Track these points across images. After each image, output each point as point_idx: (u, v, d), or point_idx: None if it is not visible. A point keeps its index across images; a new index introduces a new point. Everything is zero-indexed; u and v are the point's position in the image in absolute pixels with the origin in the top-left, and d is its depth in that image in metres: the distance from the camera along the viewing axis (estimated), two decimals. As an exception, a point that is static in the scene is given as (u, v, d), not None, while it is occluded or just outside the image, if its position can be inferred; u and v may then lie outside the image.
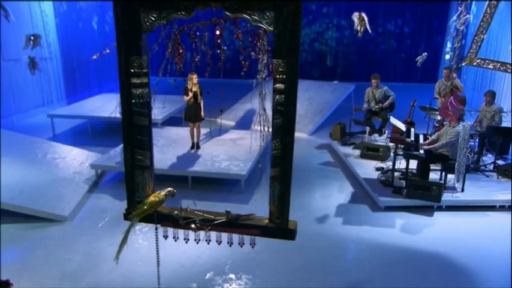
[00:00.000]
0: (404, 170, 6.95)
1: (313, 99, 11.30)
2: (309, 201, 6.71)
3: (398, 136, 6.89)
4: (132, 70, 2.65)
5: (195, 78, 7.32)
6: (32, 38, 7.47)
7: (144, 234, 5.58)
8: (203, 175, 6.98)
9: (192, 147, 7.91)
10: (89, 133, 9.94)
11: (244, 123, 10.37)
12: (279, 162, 2.55)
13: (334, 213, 6.30)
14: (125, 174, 2.94)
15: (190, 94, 7.37)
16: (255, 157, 7.06)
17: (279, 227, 2.75)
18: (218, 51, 2.92)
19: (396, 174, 6.98)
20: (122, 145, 7.26)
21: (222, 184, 7.17)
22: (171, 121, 9.81)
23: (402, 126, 7.05)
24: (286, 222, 2.76)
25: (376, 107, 8.69)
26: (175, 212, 2.83)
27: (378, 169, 7.41)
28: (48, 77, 11.26)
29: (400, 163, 7.14)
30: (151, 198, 2.82)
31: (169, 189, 2.88)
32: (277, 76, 2.48)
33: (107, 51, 3.10)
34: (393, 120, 7.23)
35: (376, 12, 15.60)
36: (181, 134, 8.56)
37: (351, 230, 5.85)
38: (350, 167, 7.83)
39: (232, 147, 8.02)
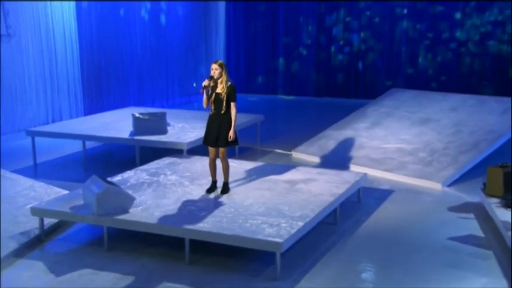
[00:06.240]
0: None
1: (463, 125, 9.47)
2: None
3: None
4: None
5: (215, 68, 5.99)
6: None
7: None
8: (209, 239, 5.25)
9: (211, 190, 6.23)
10: (80, 161, 8.95)
11: (334, 160, 8.94)
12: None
13: None
14: None
15: (205, 96, 6.00)
16: (317, 213, 5.65)
17: None
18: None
19: None
20: (92, 178, 5.88)
21: (245, 257, 5.41)
22: (204, 149, 8.26)
23: None
24: None
25: None
26: None
27: None
28: (58, 84, 10.73)
29: None
30: None
31: None
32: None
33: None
34: None
35: None
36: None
37: None
38: (517, 250, 5.61)
39: (284, 193, 6.42)
